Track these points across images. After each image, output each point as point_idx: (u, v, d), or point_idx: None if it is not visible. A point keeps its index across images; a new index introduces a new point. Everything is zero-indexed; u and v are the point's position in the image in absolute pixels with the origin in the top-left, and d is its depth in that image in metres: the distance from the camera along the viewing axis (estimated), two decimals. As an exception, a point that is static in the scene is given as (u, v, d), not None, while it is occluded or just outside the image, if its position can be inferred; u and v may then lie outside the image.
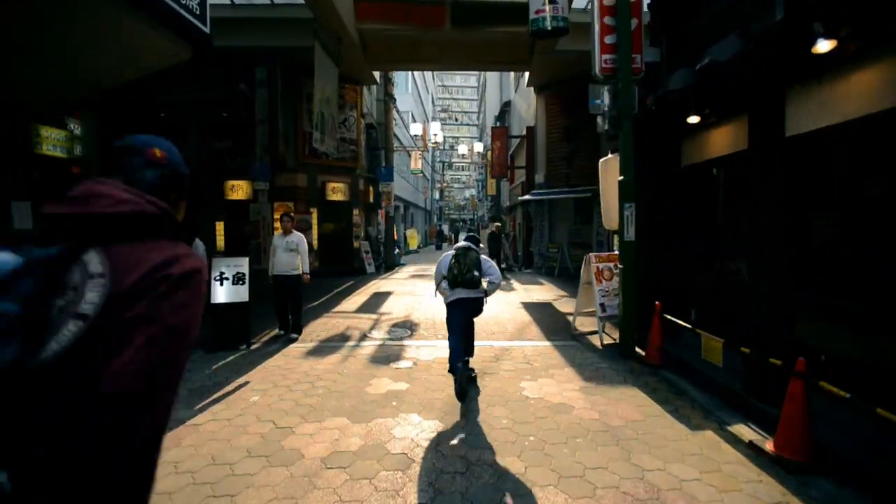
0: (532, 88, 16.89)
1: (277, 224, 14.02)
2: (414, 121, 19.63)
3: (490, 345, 6.21)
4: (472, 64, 14.09)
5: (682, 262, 5.95)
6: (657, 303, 5.40)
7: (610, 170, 6.34)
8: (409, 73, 32.23)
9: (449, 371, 4.40)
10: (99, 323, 0.74)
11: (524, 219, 18.30)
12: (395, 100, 17.19)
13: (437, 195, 50.89)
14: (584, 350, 5.97)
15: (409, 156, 21.75)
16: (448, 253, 4.69)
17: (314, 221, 14.30)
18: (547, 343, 6.33)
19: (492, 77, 34.65)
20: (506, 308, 8.90)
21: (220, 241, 14.33)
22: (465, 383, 4.25)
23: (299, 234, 6.70)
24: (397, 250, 18.93)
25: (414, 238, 28.51)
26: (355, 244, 15.41)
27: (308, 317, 8.01)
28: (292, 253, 6.53)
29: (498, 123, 29.51)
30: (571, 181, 15.48)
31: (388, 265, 16.98)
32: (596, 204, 15.37)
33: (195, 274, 0.86)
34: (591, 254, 6.59)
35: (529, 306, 9.07)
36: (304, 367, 5.27)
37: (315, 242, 14.41)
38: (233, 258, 6.16)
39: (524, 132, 17.70)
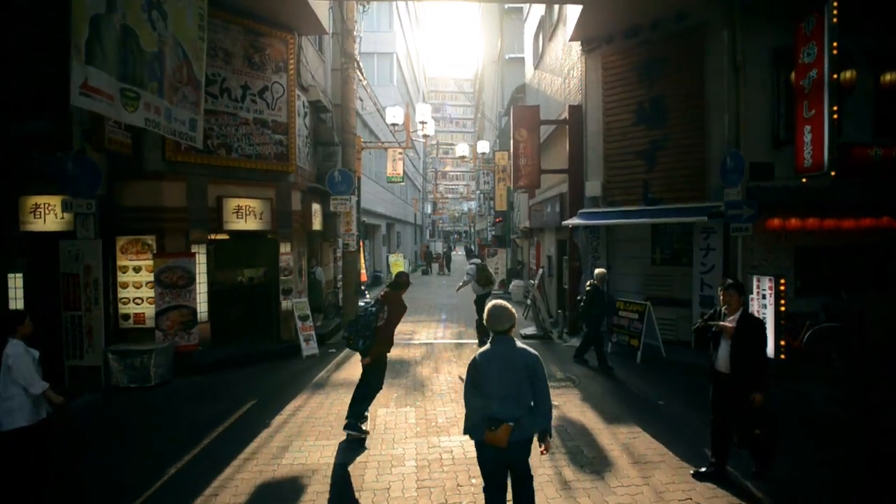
0: (575, 46, 10.64)
1: (129, 277, 6.88)
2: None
3: None
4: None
5: None
6: None
7: None
8: (394, 57, 26.10)
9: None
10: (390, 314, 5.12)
11: (561, 251, 11.93)
12: (358, 64, 10.84)
13: (428, 208, 44.49)
14: None
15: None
16: (470, 267, 9.90)
17: (199, 269, 7.83)
18: None
19: (493, 63, 28.57)
20: None
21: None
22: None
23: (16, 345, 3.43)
24: (367, 298, 12.45)
25: (399, 266, 22.05)
26: (283, 304, 8.93)
27: None
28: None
29: (505, 120, 23.30)
30: (653, 193, 9.17)
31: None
32: (706, 233, 9.03)
33: (396, 298, 5.31)
34: None
35: None
36: None
37: (202, 307, 7.92)
38: None
39: (557, 118, 11.40)
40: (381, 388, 5.37)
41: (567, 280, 10.80)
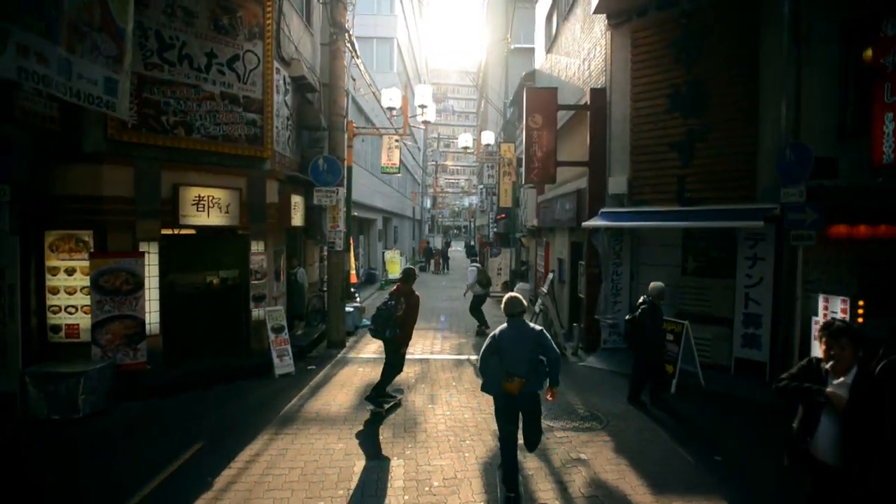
0: (599, 22, 9.29)
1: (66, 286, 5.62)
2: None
3: None
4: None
5: None
6: None
7: None
8: (395, 42, 24.68)
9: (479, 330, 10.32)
10: (407, 304, 5.95)
11: (575, 255, 10.62)
12: (350, 37, 9.46)
13: (428, 203, 43.10)
14: None
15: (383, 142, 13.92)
16: (471, 269, 11.33)
17: (149, 271, 6.52)
18: None
19: (498, 53, 27.10)
20: None
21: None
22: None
23: None
24: (356, 303, 11.15)
25: (395, 264, 20.77)
26: (254, 313, 7.63)
27: None
28: None
29: (512, 110, 21.94)
30: (689, 191, 7.86)
31: (332, 341, 9.18)
32: (753, 241, 6.89)
33: (408, 290, 5.93)
34: None
35: None
36: None
37: (152, 317, 6.62)
38: None
39: (573, 104, 10.04)
40: (401, 371, 6.27)
41: (583, 288, 9.50)
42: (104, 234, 6.22)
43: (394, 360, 6.04)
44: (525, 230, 16.89)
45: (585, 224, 8.48)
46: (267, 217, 7.71)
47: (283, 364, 7.41)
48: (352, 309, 10.32)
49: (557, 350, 3.98)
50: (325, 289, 10.19)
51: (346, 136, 9.75)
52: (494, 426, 5.38)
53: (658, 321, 6.32)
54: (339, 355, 8.66)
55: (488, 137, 16.93)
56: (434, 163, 42.42)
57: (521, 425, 4.07)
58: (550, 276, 11.04)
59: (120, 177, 6.27)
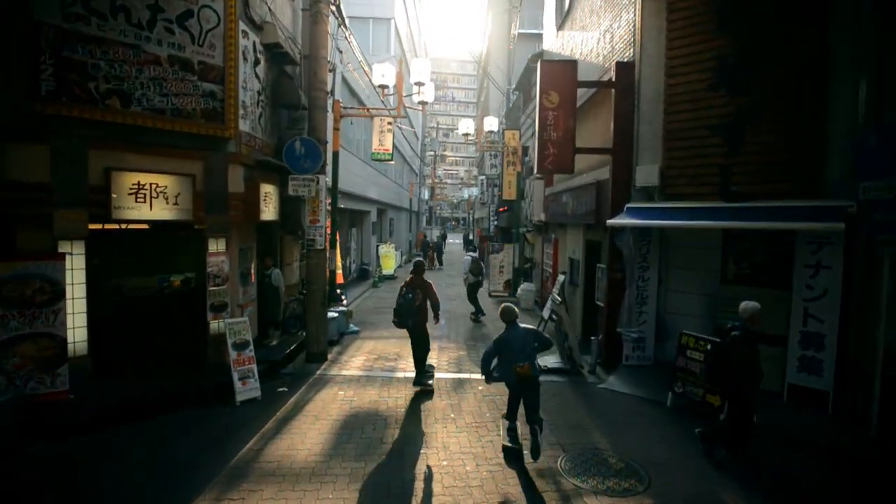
0: (625, -15, 7.92)
1: None
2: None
3: None
4: None
5: None
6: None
7: None
8: (392, 24, 23.17)
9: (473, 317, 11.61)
10: (423, 293, 6.55)
11: (591, 255, 9.33)
12: (333, -1, 8.08)
13: (426, 194, 41.66)
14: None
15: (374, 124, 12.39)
16: (466, 258, 12.51)
17: (73, 277, 5.22)
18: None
19: (501, 38, 25.62)
20: None
21: None
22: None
23: None
24: (342, 304, 9.87)
25: (390, 258, 19.52)
26: (212, 326, 6.34)
27: None
28: None
29: (517, 94, 20.55)
30: (737, 184, 6.55)
31: (312, 354, 7.90)
32: (816, 244, 5.48)
33: (420, 281, 6.59)
34: None
35: None
36: None
37: (78, 333, 5.33)
38: None
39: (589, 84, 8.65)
40: (430, 348, 6.90)
41: (602, 295, 8.24)
42: (10, 231, 4.91)
43: (422, 343, 6.70)
44: (530, 225, 15.59)
45: (611, 222, 7.18)
46: (229, 209, 6.39)
47: (247, 388, 6.14)
48: (336, 314, 9.04)
49: (551, 339, 5.13)
50: (300, 295, 8.90)
51: (329, 116, 8.42)
52: (505, 489, 4.19)
53: (754, 352, 4.84)
54: (319, 372, 7.40)
55: (491, 123, 15.55)
56: (433, 152, 40.93)
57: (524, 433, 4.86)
58: (561, 278, 9.77)
59: (31, 157, 4.94)
